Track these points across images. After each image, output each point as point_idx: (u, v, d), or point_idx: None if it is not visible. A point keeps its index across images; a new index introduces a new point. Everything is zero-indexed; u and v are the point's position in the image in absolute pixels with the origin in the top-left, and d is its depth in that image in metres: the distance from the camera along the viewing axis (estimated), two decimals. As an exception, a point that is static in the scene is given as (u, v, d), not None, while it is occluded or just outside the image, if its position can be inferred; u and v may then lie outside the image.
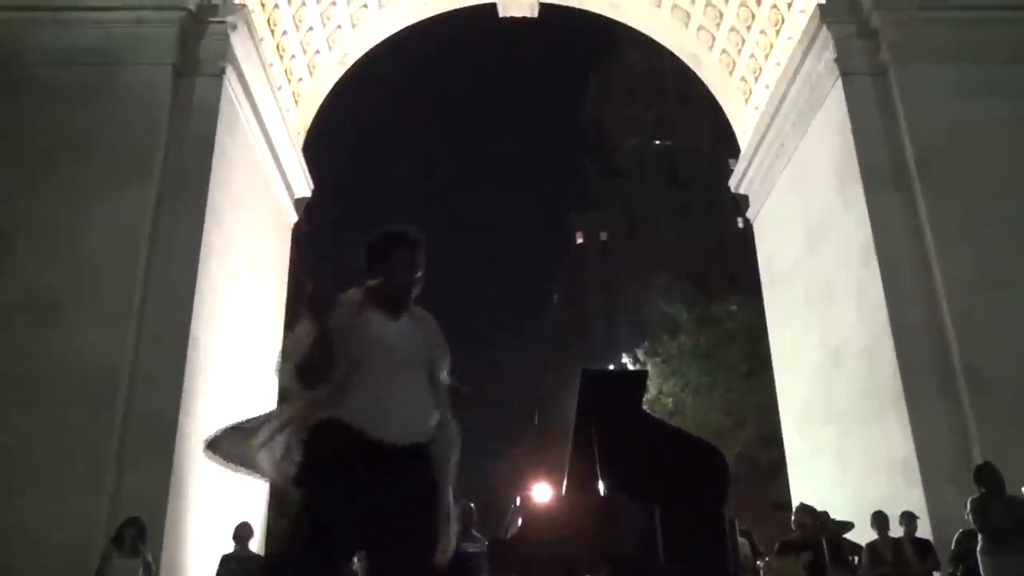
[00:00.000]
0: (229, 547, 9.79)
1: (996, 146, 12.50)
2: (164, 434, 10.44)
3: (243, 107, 13.49)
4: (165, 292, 11.13)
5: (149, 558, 8.61)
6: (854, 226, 12.90)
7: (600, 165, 52.25)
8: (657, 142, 51.41)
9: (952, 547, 9.19)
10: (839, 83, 13.33)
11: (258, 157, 14.59)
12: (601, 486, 5.62)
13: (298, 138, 16.62)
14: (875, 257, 12.23)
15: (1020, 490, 8.28)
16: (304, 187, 17.01)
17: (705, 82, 18.75)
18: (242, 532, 9.71)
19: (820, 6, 13.71)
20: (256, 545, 10.32)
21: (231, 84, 12.89)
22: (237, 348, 13.19)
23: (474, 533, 9.04)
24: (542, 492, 17.38)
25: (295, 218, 17.04)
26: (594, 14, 18.28)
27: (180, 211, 11.63)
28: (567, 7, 18.07)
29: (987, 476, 8.39)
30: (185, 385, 10.82)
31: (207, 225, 11.73)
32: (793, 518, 8.79)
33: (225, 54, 12.67)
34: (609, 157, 51.86)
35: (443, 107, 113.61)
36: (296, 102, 16.65)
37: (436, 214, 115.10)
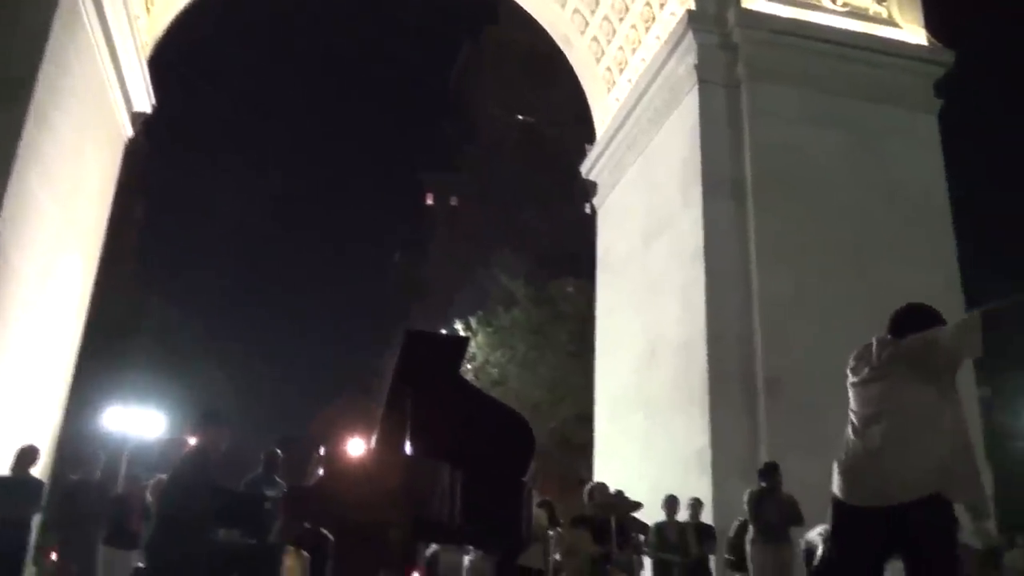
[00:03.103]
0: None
1: (826, 173, 13.37)
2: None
3: (85, 2, 12.40)
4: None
5: None
6: (688, 228, 13.49)
7: (459, 131, 52.05)
8: (520, 117, 51.71)
9: (729, 535, 9.97)
10: (696, 89, 13.86)
11: (96, 61, 13.44)
12: (409, 446, 5.66)
13: (145, 49, 15.51)
14: (703, 261, 12.86)
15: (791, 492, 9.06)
16: (145, 101, 15.90)
17: (573, 66, 19.03)
18: (24, 455, 9.08)
19: (689, 12, 14.18)
20: (38, 471, 9.66)
21: (74, -25, 11.82)
22: (53, 270, 12.23)
23: (277, 479, 8.93)
24: (356, 447, 17.29)
25: (130, 133, 15.93)
26: (474, -22, 18.12)
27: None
28: (448, -35, 17.82)
29: (769, 474, 9.22)
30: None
31: (28, 128, 10.69)
32: (587, 494, 9.20)
33: (73, -58, 11.60)
34: (470, 125, 51.73)
35: (305, 48, 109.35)
36: (148, 9, 15.53)
37: (279, 156, 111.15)
